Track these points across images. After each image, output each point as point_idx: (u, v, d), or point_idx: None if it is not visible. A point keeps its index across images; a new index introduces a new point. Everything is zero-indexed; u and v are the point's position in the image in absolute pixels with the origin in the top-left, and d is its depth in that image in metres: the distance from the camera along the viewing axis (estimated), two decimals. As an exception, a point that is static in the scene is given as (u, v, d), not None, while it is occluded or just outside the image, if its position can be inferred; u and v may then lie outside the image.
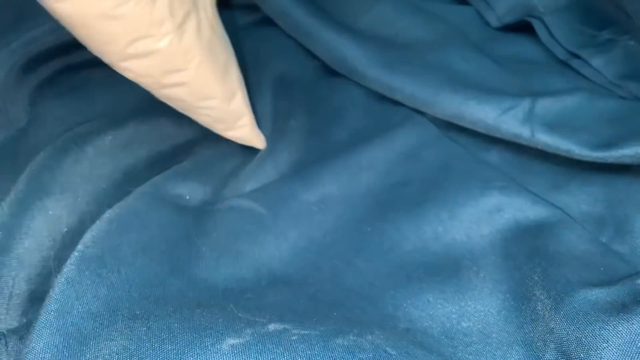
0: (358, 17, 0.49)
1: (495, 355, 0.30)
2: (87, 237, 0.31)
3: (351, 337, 0.27)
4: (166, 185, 0.38)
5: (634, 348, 0.27)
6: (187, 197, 0.38)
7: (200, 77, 0.37)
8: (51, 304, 0.28)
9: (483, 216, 0.36)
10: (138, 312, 0.28)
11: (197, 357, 0.25)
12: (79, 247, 0.31)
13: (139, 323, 0.27)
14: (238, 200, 0.38)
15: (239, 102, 0.41)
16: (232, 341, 0.26)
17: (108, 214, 0.33)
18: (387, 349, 0.26)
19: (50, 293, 0.28)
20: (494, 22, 0.49)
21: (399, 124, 0.41)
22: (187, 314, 0.28)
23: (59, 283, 0.29)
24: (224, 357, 0.25)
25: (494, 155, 0.41)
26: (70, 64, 0.46)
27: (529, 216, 0.36)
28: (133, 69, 0.34)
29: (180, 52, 0.35)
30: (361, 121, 0.44)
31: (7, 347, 0.29)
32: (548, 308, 0.30)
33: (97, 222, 0.33)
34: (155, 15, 0.32)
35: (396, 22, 0.48)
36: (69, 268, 0.29)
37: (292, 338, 0.26)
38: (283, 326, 0.27)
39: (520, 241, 0.35)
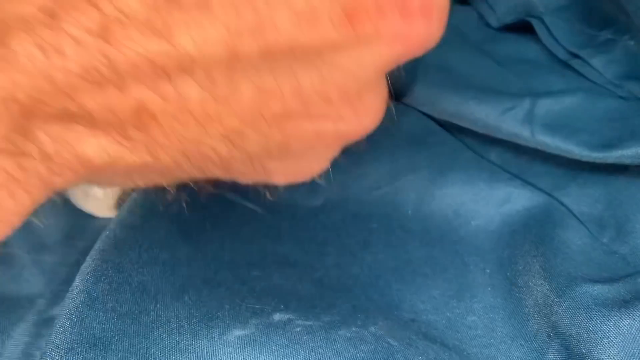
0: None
1: (499, 348, 0.30)
2: None
3: (354, 329, 0.27)
4: None
5: (635, 345, 0.27)
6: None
7: None
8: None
9: (491, 211, 0.36)
10: (145, 279, 0.28)
11: (204, 348, 0.26)
12: None
13: (146, 299, 0.27)
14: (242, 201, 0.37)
15: None
16: (238, 332, 0.26)
17: None
18: (389, 340, 0.26)
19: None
20: (494, 22, 0.48)
21: (404, 116, 0.41)
22: (194, 295, 0.28)
23: None
24: (230, 348, 0.26)
25: (493, 157, 0.41)
26: None
27: (536, 205, 0.36)
28: None
29: None
30: None
31: None
32: (549, 301, 0.30)
33: None
34: None
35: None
36: None
37: (296, 330, 0.26)
38: (287, 316, 0.27)
39: (529, 229, 0.35)
